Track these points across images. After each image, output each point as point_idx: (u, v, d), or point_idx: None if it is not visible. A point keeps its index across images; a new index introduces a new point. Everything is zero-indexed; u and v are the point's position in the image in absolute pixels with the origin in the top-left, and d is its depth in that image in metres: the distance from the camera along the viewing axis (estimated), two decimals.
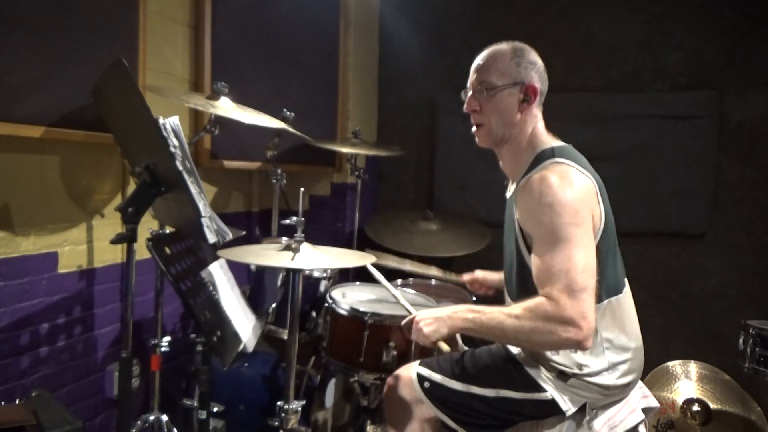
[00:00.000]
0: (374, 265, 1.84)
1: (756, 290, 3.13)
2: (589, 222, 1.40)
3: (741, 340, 2.29)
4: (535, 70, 1.56)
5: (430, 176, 3.66)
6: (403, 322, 1.62)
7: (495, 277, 2.04)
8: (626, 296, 1.56)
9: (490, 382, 1.54)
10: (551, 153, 1.50)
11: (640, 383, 1.66)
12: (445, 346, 1.59)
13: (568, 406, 1.48)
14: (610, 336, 1.49)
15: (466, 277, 2.11)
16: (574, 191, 1.40)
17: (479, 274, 2.08)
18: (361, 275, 2.49)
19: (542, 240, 1.41)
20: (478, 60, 1.60)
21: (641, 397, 1.63)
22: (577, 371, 1.47)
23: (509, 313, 1.39)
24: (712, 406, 2.33)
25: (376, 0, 3.60)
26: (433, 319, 1.51)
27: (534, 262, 1.43)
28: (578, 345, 1.34)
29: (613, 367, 1.49)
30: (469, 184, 3.51)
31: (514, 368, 1.54)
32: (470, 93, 1.61)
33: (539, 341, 1.37)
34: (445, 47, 3.57)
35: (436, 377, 1.58)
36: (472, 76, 1.61)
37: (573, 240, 1.35)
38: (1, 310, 1.67)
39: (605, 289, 1.49)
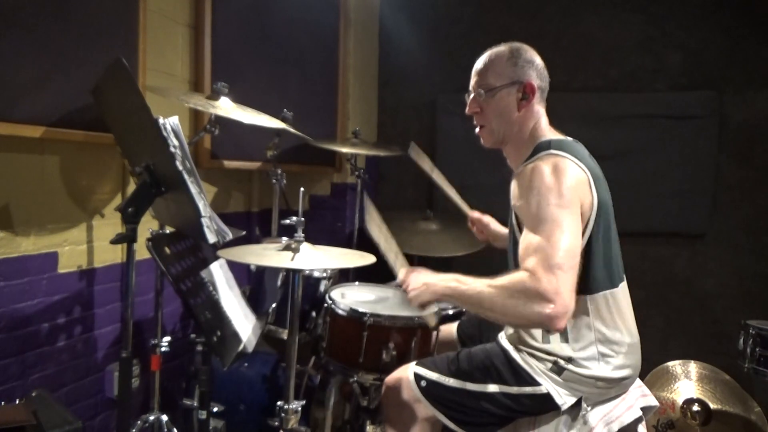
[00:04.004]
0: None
1: (756, 290, 3.13)
2: (576, 207, 1.42)
3: (741, 340, 2.29)
4: (533, 68, 1.60)
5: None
6: (399, 277, 1.65)
7: (499, 230, 2.08)
8: (622, 291, 1.57)
9: (485, 378, 1.55)
10: (548, 145, 1.53)
11: (639, 382, 1.66)
12: (431, 320, 1.63)
13: (563, 400, 1.48)
14: (601, 328, 1.50)
15: (473, 214, 2.16)
16: (563, 178, 1.42)
17: (487, 219, 2.13)
18: (361, 275, 2.49)
19: (528, 222, 1.44)
20: (477, 64, 1.65)
21: (640, 396, 1.63)
22: (569, 364, 1.48)
23: (489, 284, 1.41)
24: (712, 406, 2.33)
25: (376, 0, 3.60)
26: (421, 284, 1.55)
27: (519, 242, 1.46)
28: (550, 321, 1.31)
29: (603, 358, 1.49)
30: (469, 184, 3.48)
31: (509, 363, 1.54)
32: (471, 95, 1.66)
33: (513, 312, 1.36)
34: (445, 47, 3.57)
35: (432, 375, 1.59)
36: (472, 80, 1.66)
37: (556, 221, 1.37)
38: (1, 310, 1.67)
39: (599, 281, 1.50)
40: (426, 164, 2.25)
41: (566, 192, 1.41)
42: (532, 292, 1.31)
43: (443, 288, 1.51)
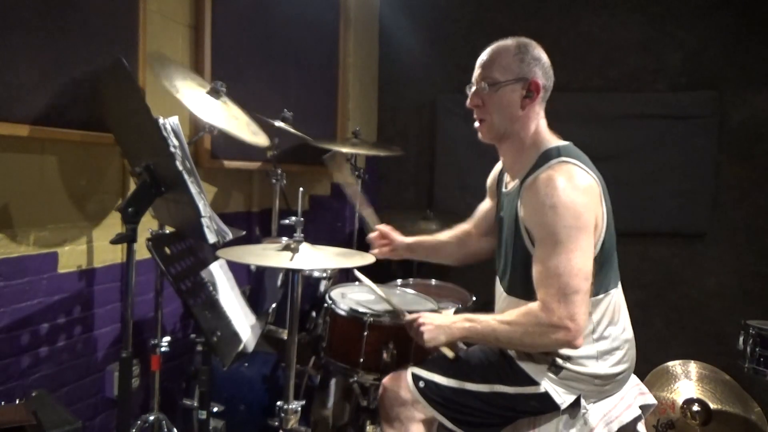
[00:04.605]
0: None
1: (756, 290, 3.13)
2: (591, 225, 1.42)
3: (741, 340, 2.29)
4: (539, 66, 1.56)
5: (430, 176, 3.66)
6: (406, 317, 1.64)
7: (403, 240, 1.96)
8: (618, 290, 1.59)
9: (484, 378, 1.55)
10: (557, 152, 1.51)
11: (637, 380, 1.66)
12: (449, 352, 1.62)
13: (562, 399, 1.48)
14: (600, 327, 1.51)
15: (382, 227, 1.98)
16: (579, 194, 1.41)
17: (392, 233, 1.97)
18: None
19: (543, 241, 1.43)
20: (483, 56, 1.60)
21: (638, 394, 1.64)
22: (567, 363, 1.49)
23: (501, 320, 1.46)
24: (712, 406, 2.33)
25: (376, 0, 3.60)
26: (434, 326, 1.55)
27: (534, 262, 1.45)
28: (568, 345, 1.41)
29: (601, 356, 1.50)
30: (469, 184, 3.51)
31: (507, 363, 1.54)
32: (474, 88, 1.60)
33: (531, 343, 1.45)
34: (445, 47, 3.57)
35: (430, 376, 1.59)
36: (476, 72, 1.61)
37: (572, 243, 1.38)
38: (1, 310, 1.67)
39: (603, 285, 1.51)
40: (343, 176, 2.07)
41: (583, 210, 1.40)
42: (547, 325, 1.38)
43: (459, 330, 1.53)
